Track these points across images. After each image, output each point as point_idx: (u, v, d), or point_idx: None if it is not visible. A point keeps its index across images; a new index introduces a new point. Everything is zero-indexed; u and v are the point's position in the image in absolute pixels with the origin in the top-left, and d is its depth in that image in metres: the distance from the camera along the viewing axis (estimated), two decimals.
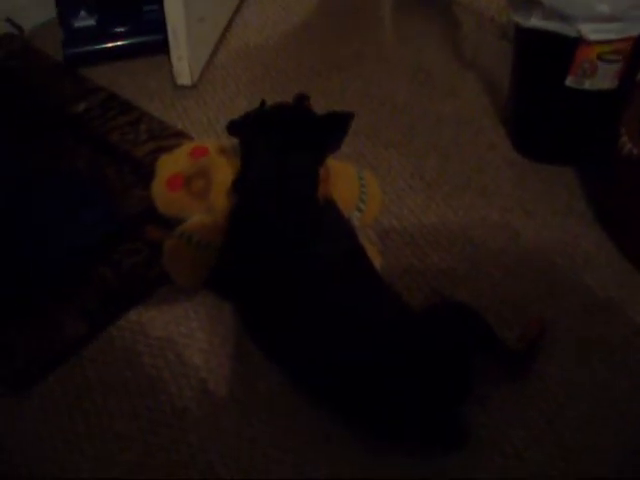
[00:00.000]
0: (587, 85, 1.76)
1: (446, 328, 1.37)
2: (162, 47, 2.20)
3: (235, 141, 1.55)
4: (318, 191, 1.46)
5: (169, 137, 2.01)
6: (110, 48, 2.31)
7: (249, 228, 1.46)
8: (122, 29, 2.31)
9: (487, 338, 1.42)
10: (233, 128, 1.52)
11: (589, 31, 1.66)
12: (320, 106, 1.53)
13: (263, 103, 1.50)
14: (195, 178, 1.61)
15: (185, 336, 1.58)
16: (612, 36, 1.67)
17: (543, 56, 1.81)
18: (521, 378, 1.49)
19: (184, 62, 2.14)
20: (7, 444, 1.42)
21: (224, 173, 1.58)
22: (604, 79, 1.75)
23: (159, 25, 2.16)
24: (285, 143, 1.43)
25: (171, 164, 1.69)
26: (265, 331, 1.47)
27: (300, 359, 1.39)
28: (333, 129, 1.46)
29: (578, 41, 1.69)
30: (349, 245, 1.47)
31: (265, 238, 1.43)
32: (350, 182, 1.67)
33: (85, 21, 2.29)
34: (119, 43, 2.31)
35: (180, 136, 2.01)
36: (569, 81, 1.77)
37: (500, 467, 1.37)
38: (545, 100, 1.88)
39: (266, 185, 1.44)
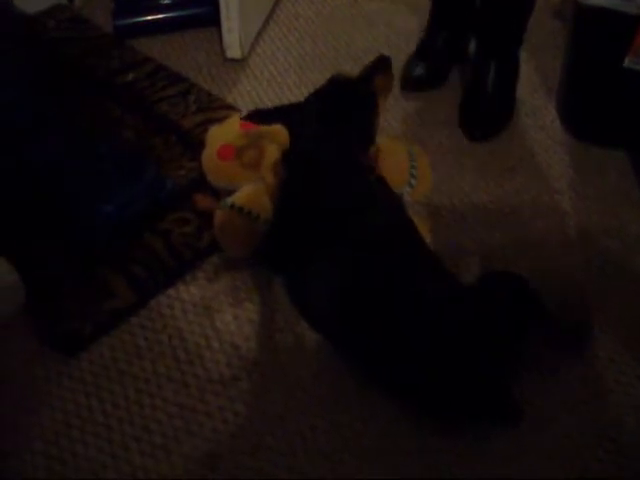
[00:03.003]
0: None
1: (498, 299, 1.36)
2: (212, 20, 2.20)
3: None
4: (367, 163, 1.45)
5: (218, 109, 2.00)
6: (160, 20, 2.31)
7: (298, 200, 1.45)
8: (172, 1, 2.31)
9: (537, 309, 1.41)
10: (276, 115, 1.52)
11: None
12: None
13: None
14: (247, 149, 1.62)
15: (234, 306, 1.58)
16: None
17: (601, 36, 1.78)
18: (572, 354, 1.49)
19: (235, 34, 2.13)
20: (55, 404, 1.45)
21: (276, 145, 1.58)
22: None
23: None
24: (330, 116, 1.42)
25: (222, 134, 1.70)
26: (313, 303, 1.47)
27: (351, 331, 1.39)
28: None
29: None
30: (399, 218, 1.46)
31: (313, 210, 1.42)
32: (400, 158, 1.66)
33: None
34: (169, 15, 2.31)
35: (229, 109, 2.00)
36: (627, 62, 1.74)
37: (548, 450, 1.36)
38: (600, 81, 1.85)
39: (312, 157, 1.43)
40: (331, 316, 1.40)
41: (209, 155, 1.68)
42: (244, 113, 1.89)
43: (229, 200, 1.58)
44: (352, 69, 2.09)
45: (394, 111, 1.99)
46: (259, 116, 1.68)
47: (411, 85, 2.09)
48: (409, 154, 1.67)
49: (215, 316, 1.57)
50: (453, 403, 1.33)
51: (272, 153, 1.57)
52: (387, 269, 1.34)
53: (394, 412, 1.40)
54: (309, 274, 1.42)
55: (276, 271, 1.59)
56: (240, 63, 2.18)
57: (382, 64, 1.47)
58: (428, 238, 1.63)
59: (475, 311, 1.33)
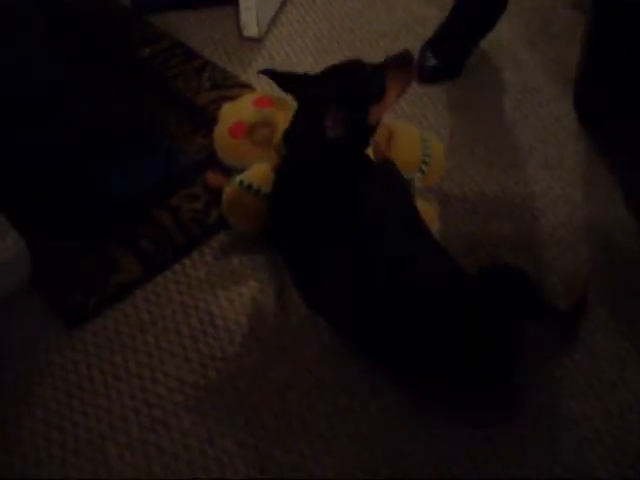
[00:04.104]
0: None
1: (494, 288, 1.36)
2: None
3: None
4: (370, 146, 1.44)
5: (232, 87, 2.00)
6: None
7: (292, 181, 1.43)
8: None
9: (533, 297, 1.40)
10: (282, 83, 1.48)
11: None
12: None
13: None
14: (259, 127, 1.62)
15: (239, 284, 1.58)
16: None
17: (620, 26, 1.75)
18: (569, 338, 1.48)
19: (252, 13, 2.12)
20: (57, 373, 1.45)
21: (287, 121, 1.57)
22: None
23: None
24: (328, 98, 1.39)
25: (235, 112, 1.70)
26: (307, 283, 1.45)
27: (353, 318, 1.38)
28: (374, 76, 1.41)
29: None
30: (399, 200, 1.45)
31: (306, 191, 1.40)
32: (413, 143, 1.66)
33: None
34: None
35: (243, 87, 2.00)
36: None
37: (549, 438, 1.36)
38: (619, 74, 1.83)
39: (306, 139, 1.40)
40: (334, 303, 1.40)
41: (221, 132, 1.67)
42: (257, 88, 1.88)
43: (238, 177, 1.58)
44: (368, 53, 2.11)
45: (407, 96, 1.97)
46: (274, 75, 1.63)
47: (426, 76, 2.07)
48: (423, 140, 1.66)
49: (220, 293, 1.57)
50: (453, 389, 1.33)
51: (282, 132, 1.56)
52: (386, 253, 1.33)
53: (396, 397, 1.40)
54: (308, 258, 1.40)
55: (276, 250, 1.57)
56: (256, 42, 2.17)
57: (402, 59, 1.44)
58: (437, 225, 1.62)
59: (474, 300, 1.32)
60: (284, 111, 1.64)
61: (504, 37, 2.19)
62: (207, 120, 1.85)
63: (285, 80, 1.45)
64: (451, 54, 2.07)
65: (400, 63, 1.42)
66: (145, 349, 1.49)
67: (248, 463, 1.33)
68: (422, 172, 1.64)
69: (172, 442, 1.36)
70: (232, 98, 1.83)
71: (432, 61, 2.06)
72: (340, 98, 1.34)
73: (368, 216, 1.35)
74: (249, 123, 1.62)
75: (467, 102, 2.01)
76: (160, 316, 1.54)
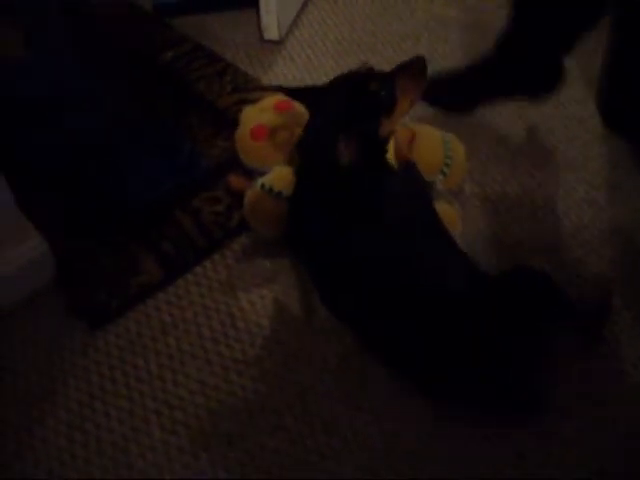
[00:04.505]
0: None
1: (516, 291, 1.34)
2: (251, 1, 2.19)
3: None
4: (386, 153, 1.43)
5: (253, 90, 2.00)
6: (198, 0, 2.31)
7: (307, 187, 1.43)
8: None
9: (556, 300, 1.39)
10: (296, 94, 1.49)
11: None
12: None
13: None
14: (280, 130, 1.62)
15: (261, 287, 1.59)
16: None
17: None
18: (593, 341, 1.47)
19: (273, 16, 2.12)
20: (79, 375, 1.46)
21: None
22: None
23: None
24: (338, 120, 1.38)
25: (256, 115, 1.70)
26: (330, 288, 1.43)
27: (367, 318, 1.38)
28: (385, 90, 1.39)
29: None
30: (420, 203, 1.44)
31: (323, 204, 1.40)
32: (435, 146, 1.65)
33: None
34: None
35: (264, 90, 2.00)
36: None
37: (571, 438, 1.35)
38: None
39: (318, 147, 1.39)
40: (357, 308, 1.39)
41: (242, 135, 1.68)
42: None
43: (260, 180, 1.58)
44: (389, 55, 2.11)
45: None
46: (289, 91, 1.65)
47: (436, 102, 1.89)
48: (445, 142, 1.66)
49: (241, 295, 1.57)
50: (475, 391, 1.32)
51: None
52: (410, 258, 1.33)
53: (418, 398, 1.39)
54: (330, 264, 1.38)
55: (296, 253, 1.57)
56: (277, 45, 2.18)
57: (413, 66, 1.40)
58: (459, 227, 1.62)
59: (494, 302, 1.32)
60: (304, 114, 1.64)
61: None
62: (229, 123, 1.85)
63: (294, 94, 1.45)
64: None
65: (411, 71, 1.37)
66: (167, 351, 1.49)
67: (269, 464, 1.33)
68: (444, 174, 1.63)
69: (193, 443, 1.36)
70: (253, 101, 1.83)
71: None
72: (349, 114, 1.33)
73: (389, 222, 1.35)
74: (270, 126, 1.63)
75: (489, 103, 2.00)
76: (181, 318, 1.54)
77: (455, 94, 1.89)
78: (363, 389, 1.42)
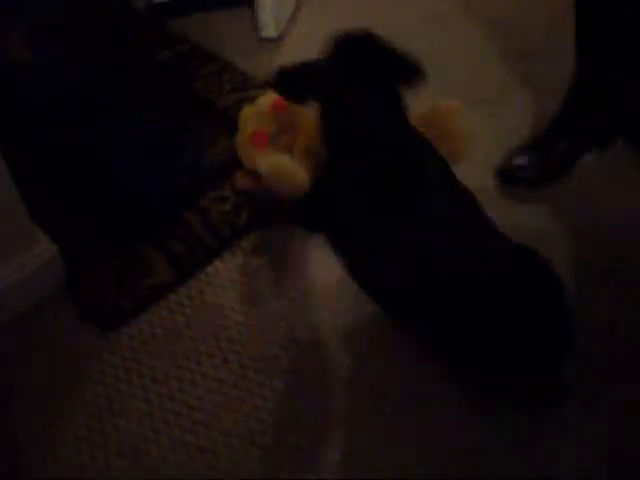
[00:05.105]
0: None
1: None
2: None
3: None
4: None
5: (252, 89, 2.01)
6: None
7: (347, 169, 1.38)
8: None
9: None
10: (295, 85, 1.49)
11: None
12: None
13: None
14: (280, 135, 1.64)
15: (272, 284, 1.59)
16: None
17: None
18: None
19: (269, 13, 2.12)
20: (96, 378, 1.46)
21: (307, 126, 1.60)
22: None
23: None
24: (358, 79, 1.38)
25: (254, 119, 1.70)
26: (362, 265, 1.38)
27: (398, 289, 1.32)
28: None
29: None
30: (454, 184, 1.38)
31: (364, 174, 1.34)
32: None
33: None
34: None
35: (263, 88, 1.99)
36: None
37: (592, 426, 1.35)
38: None
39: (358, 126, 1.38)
40: (400, 290, 1.33)
41: (242, 143, 1.69)
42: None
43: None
44: None
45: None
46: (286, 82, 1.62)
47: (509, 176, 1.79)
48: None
49: (254, 294, 1.57)
50: (509, 382, 1.31)
51: (301, 140, 1.59)
52: (453, 245, 1.28)
53: (442, 391, 1.38)
54: (364, 239, 1.34)
55: (316, 232, 1.53)
56: (275, 42, 2.18)
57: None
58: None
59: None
60: (301, 114, 1.64)
61: (530, 28, 2.19)
62: (230, 122, 1.85)
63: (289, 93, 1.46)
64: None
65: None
66: (182, 352, 1.49)
67: (291, 461, 1.33)
68: None
69: (214, 443, 1.36)
70: (253, 100, 1.83)
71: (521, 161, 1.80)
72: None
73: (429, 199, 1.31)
74: (270, 132, 1.64)
75: (495, 94, 2.00)
76: (195, 318, 1.54)
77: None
78: (382, 384, 1.41)
